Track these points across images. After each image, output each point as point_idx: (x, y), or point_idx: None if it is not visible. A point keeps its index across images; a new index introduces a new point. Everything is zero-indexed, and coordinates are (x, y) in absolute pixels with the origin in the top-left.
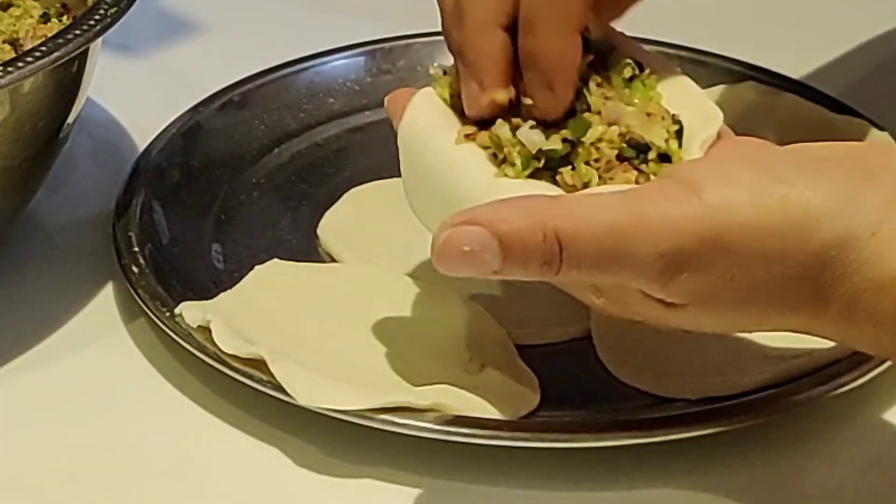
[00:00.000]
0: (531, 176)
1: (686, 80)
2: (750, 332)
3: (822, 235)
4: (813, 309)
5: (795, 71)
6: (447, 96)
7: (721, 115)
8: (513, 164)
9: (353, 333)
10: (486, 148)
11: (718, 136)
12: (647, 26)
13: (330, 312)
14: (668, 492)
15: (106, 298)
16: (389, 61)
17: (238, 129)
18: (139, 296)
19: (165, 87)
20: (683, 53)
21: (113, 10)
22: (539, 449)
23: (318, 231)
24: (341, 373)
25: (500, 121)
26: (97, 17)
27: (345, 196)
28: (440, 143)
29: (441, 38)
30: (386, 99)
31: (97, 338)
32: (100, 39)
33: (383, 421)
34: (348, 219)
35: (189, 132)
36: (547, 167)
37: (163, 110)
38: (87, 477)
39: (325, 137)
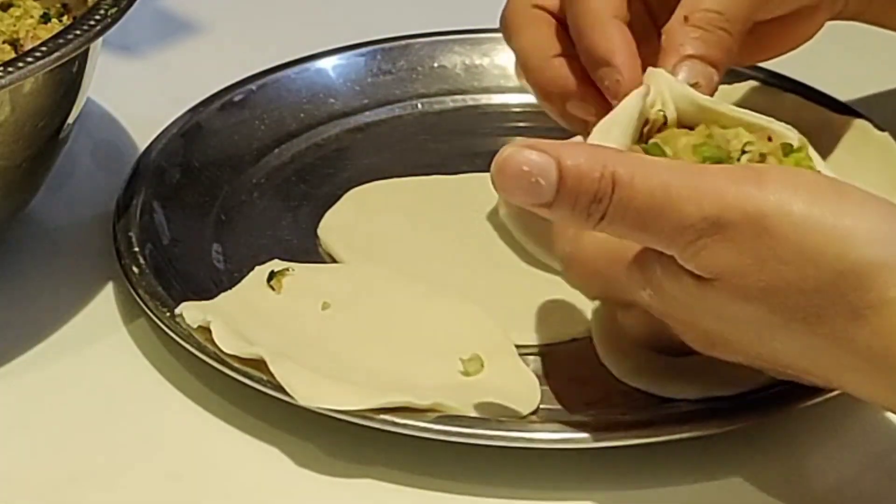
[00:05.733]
0: None
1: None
2: (774, 351)
3: (865, 252)
4: (843, 327)
5: (795, 71)
6: None
7: None
8: None
9: (353, 333)
10: None
11: None
12: None
13: (330, 312)
14: (669, 492)
15: (106, 298)
16: (389, 61)
17: (238, 129)
18: (139, 296)
19: (165, 87)
20: None
21: (113, 10)
22: (539, 449)
23: (318, 231)
24: (341, 373)
25: None
26: (97, 17)
27: (345, 196)
28: None
29: (441, 37)
30: None
31: (97, 338)
32: (100, 39)
33: (383, 421)
34: (348, 219)
35: (189, 132)
36: None
37: (163, 110)
38: (87, 477)
39: (325, 137)
